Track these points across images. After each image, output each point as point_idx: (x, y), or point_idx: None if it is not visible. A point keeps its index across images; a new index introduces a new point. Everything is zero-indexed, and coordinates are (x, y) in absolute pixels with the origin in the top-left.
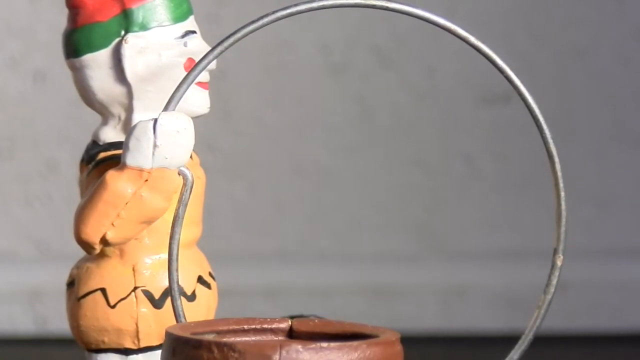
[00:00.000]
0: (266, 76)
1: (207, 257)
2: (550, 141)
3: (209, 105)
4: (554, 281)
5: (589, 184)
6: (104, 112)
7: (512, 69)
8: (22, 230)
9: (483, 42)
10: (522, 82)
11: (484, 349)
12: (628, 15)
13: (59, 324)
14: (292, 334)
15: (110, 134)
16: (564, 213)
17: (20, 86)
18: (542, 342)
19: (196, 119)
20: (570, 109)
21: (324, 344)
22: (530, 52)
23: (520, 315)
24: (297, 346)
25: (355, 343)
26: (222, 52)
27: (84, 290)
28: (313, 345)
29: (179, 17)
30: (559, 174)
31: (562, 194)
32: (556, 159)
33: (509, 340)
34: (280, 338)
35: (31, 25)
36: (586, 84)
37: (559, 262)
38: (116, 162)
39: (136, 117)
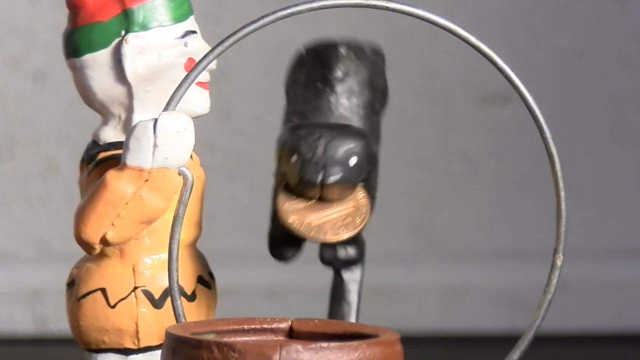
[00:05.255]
0: (266, 76)
1: (207, 257)
2: (550, 141)
3: (209, 105)
4: (554, 281)
5: (589, 184)
6: (104, 112)
7: (512, 69)
8: (22, 230)
9: (483, 42)
10: (522, 82)
11: (484, 349)
12: (628, 15)
13: (59, 324)
14: (292, 334)
15: (111, 134)
16: (564, 213)
17: (20, 86)
18: (542, 342)
19: (196, 119)
20: (570, 109)
21: (324, 344)
22: (530, 52)
23: (520, 315)
24: (297, 346)
25: (355, 343)
26: (222, 52)
27: (84, 290)
28: (313, 345)
29: (180, 17)
30: (559, 173)
31: (562, 193)
32: (556, 159)
33: (509, 340)
34: (280, 338)
35: (31, 25)
36: (586, 84)
37: (558, 262)
38: (116, 162)
39: (136, 117)
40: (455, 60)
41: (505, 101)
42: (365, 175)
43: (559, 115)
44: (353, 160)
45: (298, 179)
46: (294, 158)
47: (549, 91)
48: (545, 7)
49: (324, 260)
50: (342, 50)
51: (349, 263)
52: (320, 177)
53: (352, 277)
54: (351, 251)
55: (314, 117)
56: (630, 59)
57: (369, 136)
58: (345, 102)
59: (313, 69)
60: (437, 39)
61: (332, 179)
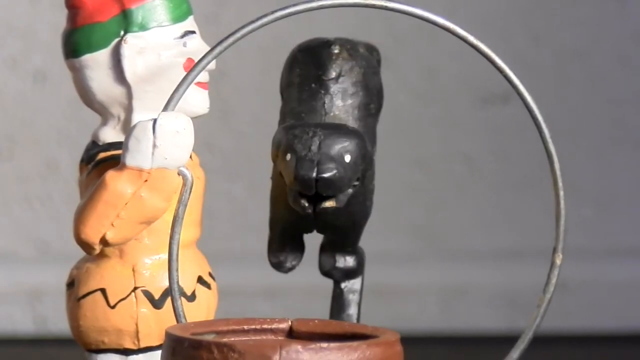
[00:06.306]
0: (265, 76)
1: (207, 257)
2: (549, 139)
3: (208, 106)
4: (554, 280)
5: (589, 184)
6: (103, 113)
7: (511, 69)
8: (22, 230)
9: (482, 42)
10: (522, 82)
11: (484, 349)
12: (628, 15)
13: (59, 324)
14: (292, 334)
15: (110, 134)
16: (563, 212)
17: (20, 86)
18: (542, 342)
19: (196, 119)
20: (570, 109)
21: (324, 344)
22: (530, 52)
23: (520, 315)
24: (297, 346)
25: (355, 343)
26: (221, 52)
27: (84, 290)
28: (313, 346)
29: (179, 18)
30: (558, 172)
31: (561, 192)
32: (555, 158)
33: (509, 340)
34: (280, 338)
35: (31, 25)
36: (586, 84)
37: (558, 261)
38: (116, 162)
39: (136, 118)
40: (455, 60)
41: (505, 101)
42: (360, 174)
43: (559, 116)
44: (347, 157)
45: (293, 176)
46: (289, 156)
47: (549, 91)
48: (545, 7)
49: (323, 271)
50: (336, 50)
51: (348, 274)
52: (315, 173)
53: (351, 288)
54: (350, 261)
55: (309, 118)
56: (630, 59)
57: (363, 135)
58: (340, 103)
59: (307, 69)
60: (436, 39)
61: (327, 174)
